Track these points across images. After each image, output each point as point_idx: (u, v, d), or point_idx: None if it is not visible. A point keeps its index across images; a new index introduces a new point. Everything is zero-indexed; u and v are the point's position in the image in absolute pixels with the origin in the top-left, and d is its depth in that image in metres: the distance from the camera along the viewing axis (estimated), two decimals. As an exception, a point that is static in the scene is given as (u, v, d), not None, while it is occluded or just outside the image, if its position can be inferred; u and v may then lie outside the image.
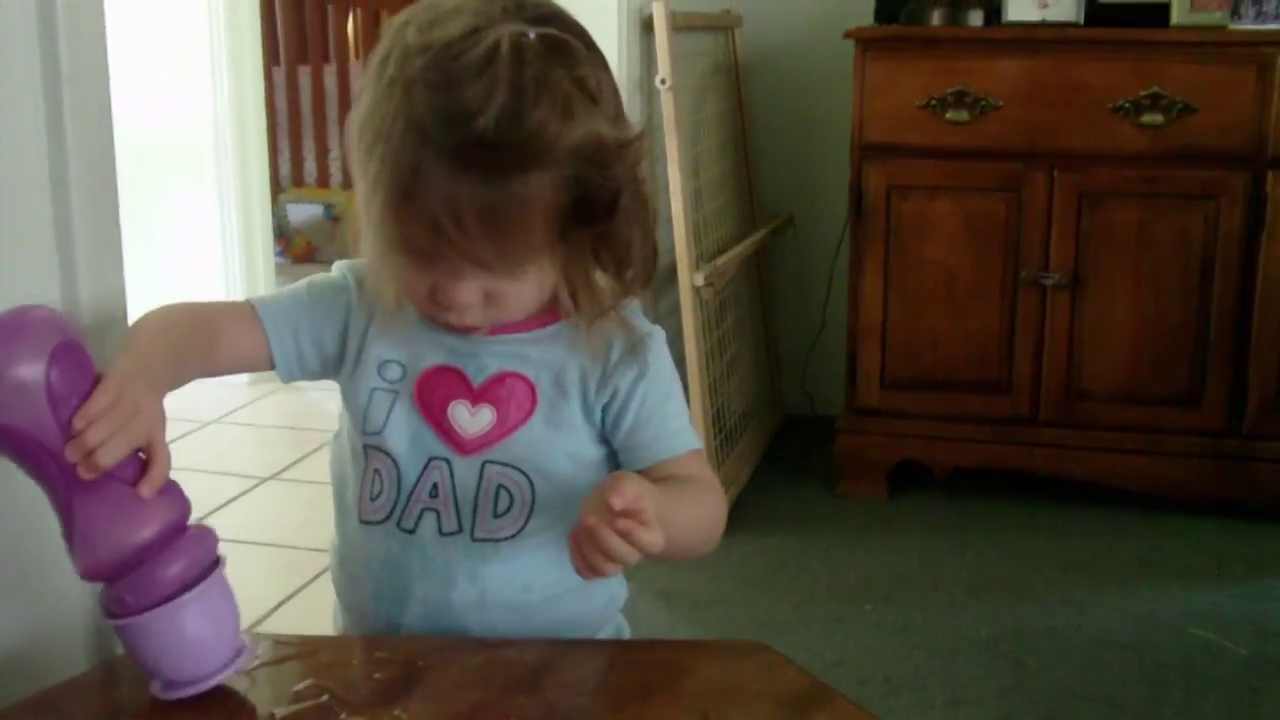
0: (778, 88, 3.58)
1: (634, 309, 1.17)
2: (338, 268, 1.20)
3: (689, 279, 2.79)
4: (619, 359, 1.14)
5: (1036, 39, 2.90)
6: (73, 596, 1.28)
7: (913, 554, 2.81)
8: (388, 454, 1.14)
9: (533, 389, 1.13)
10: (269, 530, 2.85)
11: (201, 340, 1.10)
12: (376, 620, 1.16)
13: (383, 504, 1.14)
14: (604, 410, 1.14)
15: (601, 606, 1.21)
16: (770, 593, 2.64)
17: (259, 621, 2.48)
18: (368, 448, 1.15)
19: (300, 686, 1.01)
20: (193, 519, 1.01)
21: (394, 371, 1.14)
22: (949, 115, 2.92)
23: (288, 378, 1.18)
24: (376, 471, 1.15)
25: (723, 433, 3.04)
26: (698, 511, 1.13)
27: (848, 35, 2.98)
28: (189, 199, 3.99)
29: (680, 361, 2.84)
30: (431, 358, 1.13)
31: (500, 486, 1.12)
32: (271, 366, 1.17)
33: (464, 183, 0.98)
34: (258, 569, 2.67)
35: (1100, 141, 2.86)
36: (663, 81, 2.77)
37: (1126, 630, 2.46)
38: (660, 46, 2.77)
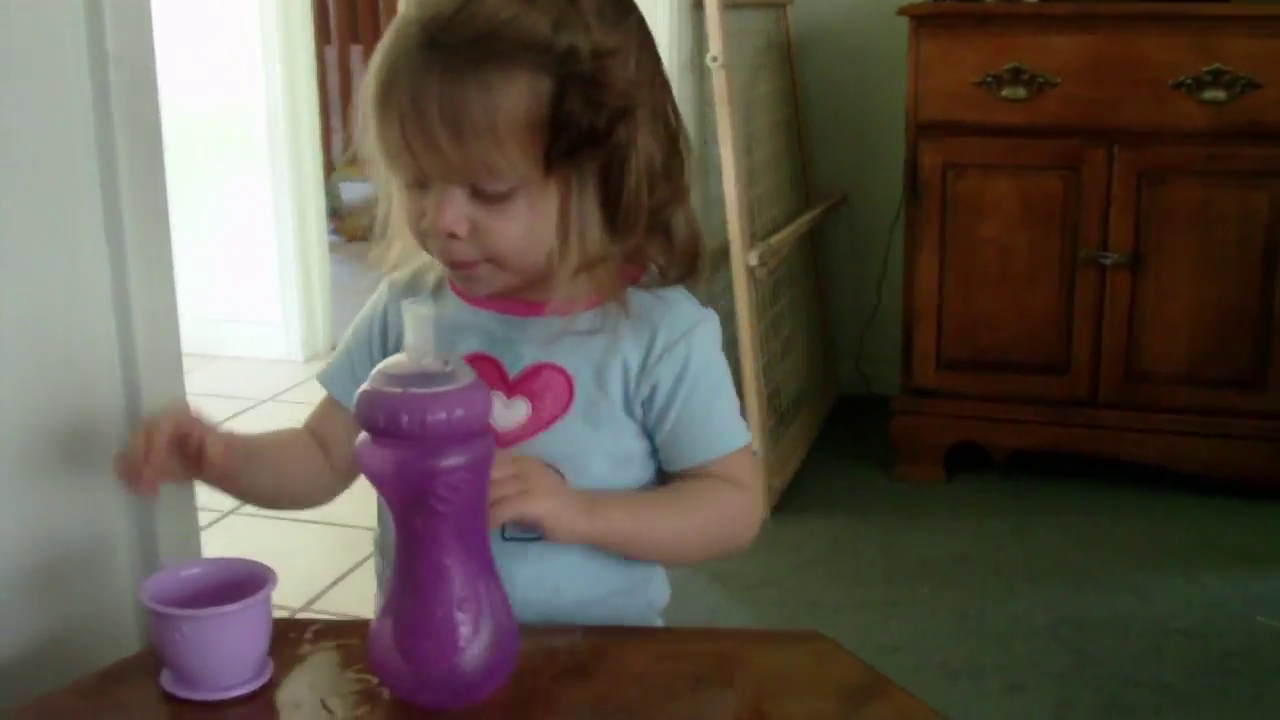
0: (831, 65, 3.54)
1: (684, 294, 1.13)
2: (382, 284, 1.20)
3: (742, 259, 2.76)
4: (661, 352, 1.09)
5: (1095, 14, 2.84)
6: (123, 581, 1.28)
7: (970, 537, 2.78)
8: None
9: (570, 383, 1.09)
10: (323, 509, 2.84)
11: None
12: None
13: None
14: (644, 405, 1.10)
15: (638, 612, 1.17)
16: (825, 576, 2.62)
17: (313, 600, 2.49)
18: None
19: (351, 671, 1.00)
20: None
21: None
22: (1005, 92, 2.87)
23: None
24: None
25: (777, 414, 3.02)
26: (683, 520, 1.11)
27: (901, 12, 2.93)
28: (241, 179, 4.00)
29: (733, 343, 2.82)
30: (469, 344, 1.10)
31: None
32: None
33: (426, 69, 0.98)
34: (312, 548, 2.67)
35: (1161, 118, 2.80)
36: (714, 59, 2.74)
37: (1189, 617, 2.42)
38: (711, 23, 2.74)
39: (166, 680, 0.98)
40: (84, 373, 1.21)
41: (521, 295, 1.09)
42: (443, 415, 0.88)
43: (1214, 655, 2.28)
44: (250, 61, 3.92)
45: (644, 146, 1.04)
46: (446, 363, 0.90)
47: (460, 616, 0.91)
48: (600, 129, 1.01)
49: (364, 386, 0.90)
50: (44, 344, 1.16)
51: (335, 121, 6.01)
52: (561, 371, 1.09)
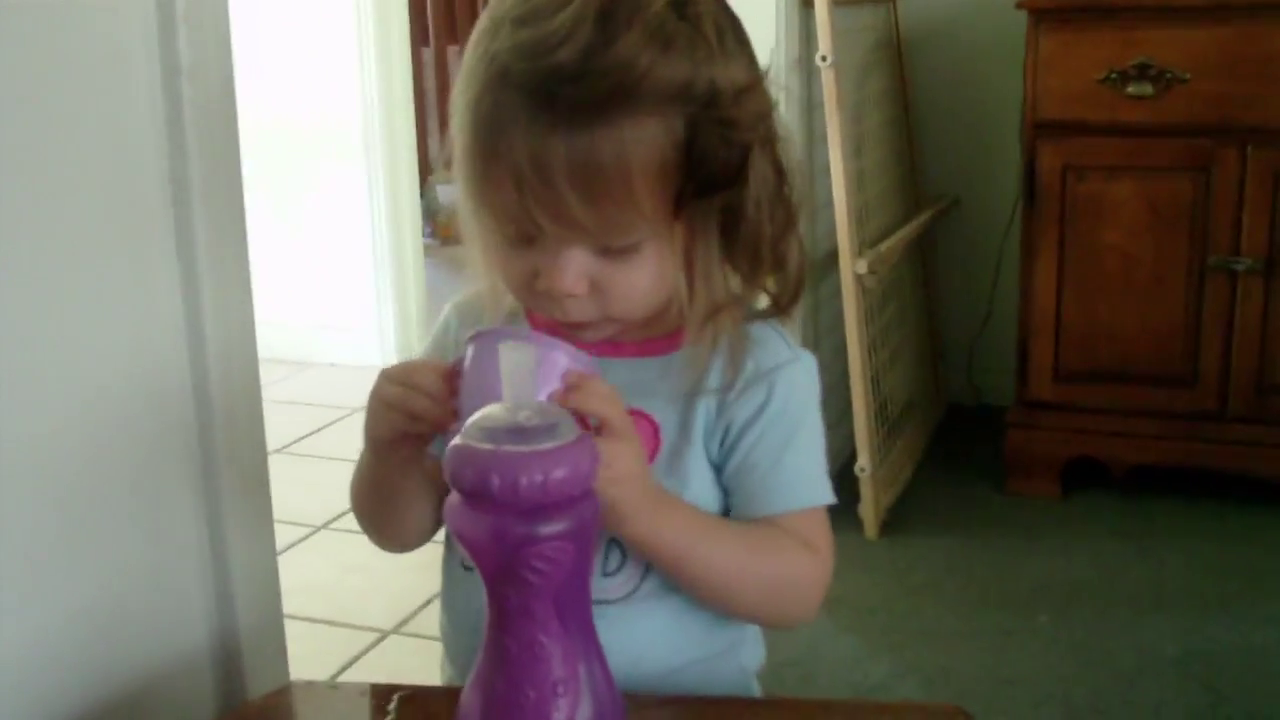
0: (943, 62, 3.40)
1: (777, 330, 1.02)
2: (446, 308, 1.11)
3: (851, 266, 2.64)
4: (741, 390, 0.98)
5: (1228, 5, 2.68)
6: (201, 634, 1.20)
7: (1089, 560, 2.64)
8: None
9: (656, 430, 0.98)
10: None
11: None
12: None
13: None
14: (720, 447, 0.99)
15: (730, 677, 1.05)
16: (937, 600, 2.49)
17: (404, 622, 2.44)
18: None
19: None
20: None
21: None
22: (1131, 89, 2.72)
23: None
24: None
25: (886, 426, 2.89)
26: (748, 558, 0.97)
27: (1020, 5, 2.80)
28: (336, 183, 3.96)
29: (840, 352, 2.70)
30: None
31: (612, 541, 0.97)
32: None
33: (548, 127, 0.86)
34: (403, 566, 2.59)
35: (1299, 116, 2.64)
36: (823, 58, 2.62)
37: (1333, 652, 2.26)
38: (820, 22, 2.62)
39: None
40: (154, 397, 1.14)
41: (609, 336, 0.99)
42: (539, 478, 0.76)
43: (1363, 696, 2.13)
44: (346, 63, 3.88)
45: (761, 172, 0.93)
46: (547, 416, 0.80)
47: (556, 700, 0.81)
48: (735, 165, 0.91)
49: (454, 441, 0.80)
50: (111, 371, 1.09)
51: (431, 124, 5.97)
52: (648, 419, 0.98)
